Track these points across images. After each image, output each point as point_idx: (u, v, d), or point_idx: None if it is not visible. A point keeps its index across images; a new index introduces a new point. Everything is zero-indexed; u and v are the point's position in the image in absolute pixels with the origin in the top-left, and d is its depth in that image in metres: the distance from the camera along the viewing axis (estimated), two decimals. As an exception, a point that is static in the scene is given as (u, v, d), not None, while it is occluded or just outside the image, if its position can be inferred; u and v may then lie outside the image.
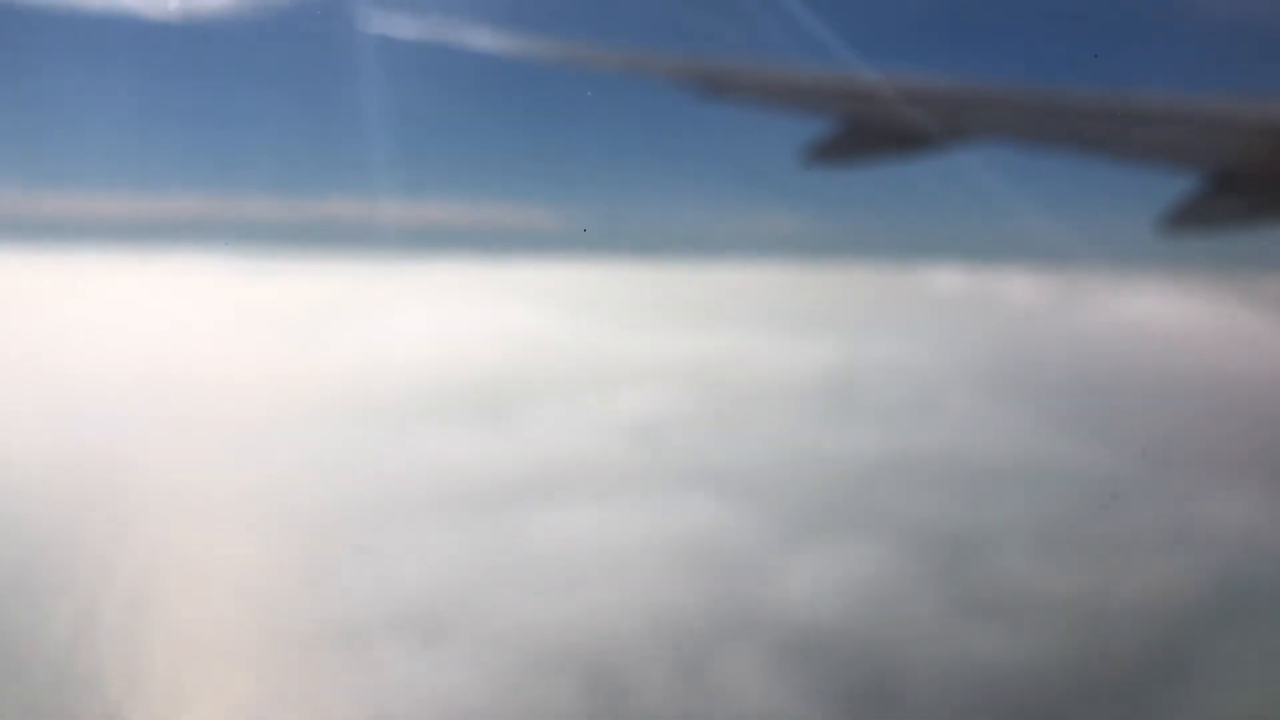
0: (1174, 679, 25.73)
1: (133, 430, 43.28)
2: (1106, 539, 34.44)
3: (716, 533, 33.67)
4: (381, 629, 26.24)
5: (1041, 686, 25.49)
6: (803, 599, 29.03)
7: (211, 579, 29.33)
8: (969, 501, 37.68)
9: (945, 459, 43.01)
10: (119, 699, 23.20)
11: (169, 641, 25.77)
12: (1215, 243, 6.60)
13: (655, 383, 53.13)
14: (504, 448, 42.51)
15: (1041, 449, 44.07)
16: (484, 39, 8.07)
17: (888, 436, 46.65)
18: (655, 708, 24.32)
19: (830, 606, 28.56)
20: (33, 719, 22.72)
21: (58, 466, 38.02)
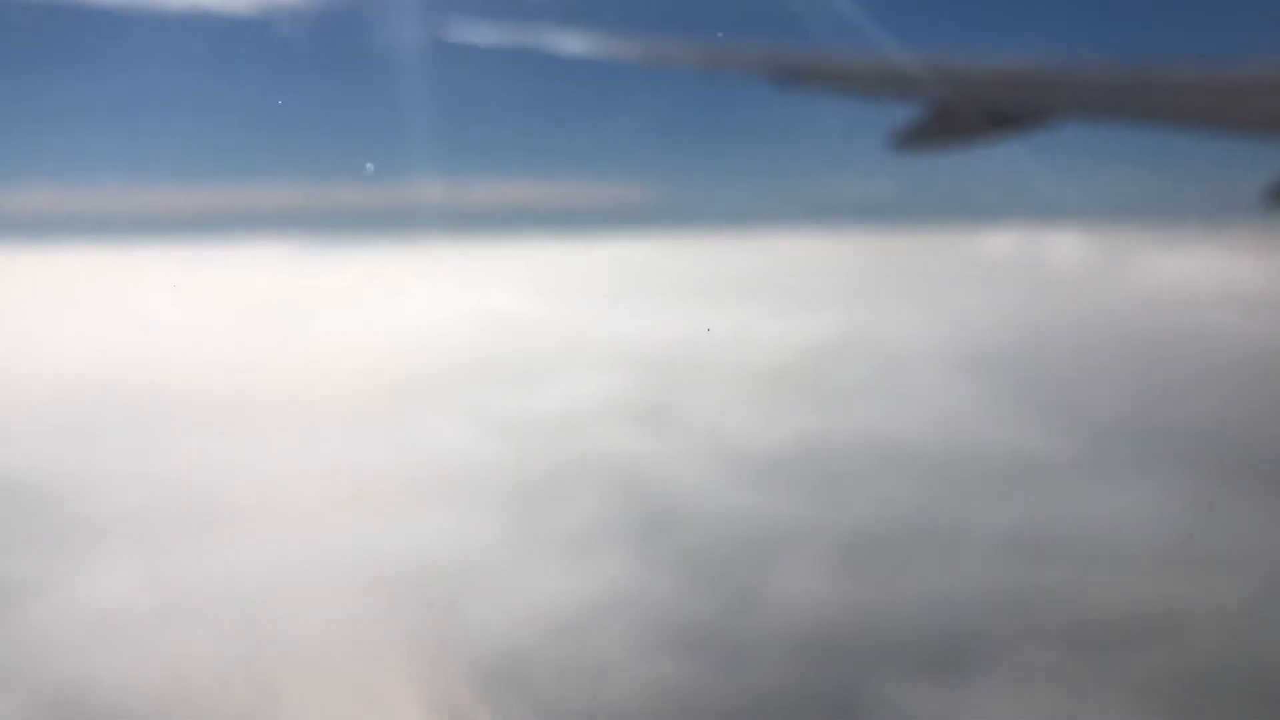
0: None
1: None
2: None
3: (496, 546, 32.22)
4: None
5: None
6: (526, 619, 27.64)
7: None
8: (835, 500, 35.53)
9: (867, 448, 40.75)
10: None
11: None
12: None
13: (637, 365, 51.93)
14: (374, 453, 41.35)
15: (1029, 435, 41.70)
16: (563, 40, 8.10)
17: (830, 424, 44.18)
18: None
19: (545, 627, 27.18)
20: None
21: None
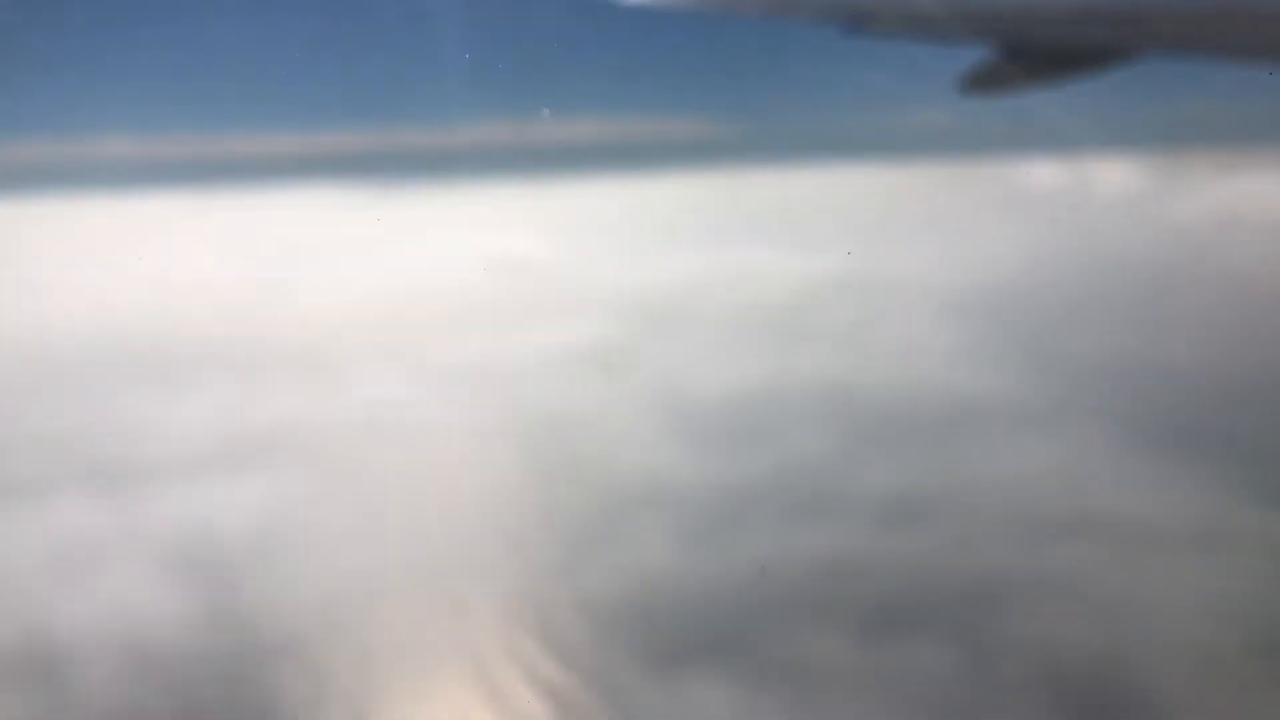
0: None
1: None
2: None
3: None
4: None
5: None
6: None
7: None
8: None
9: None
10: None
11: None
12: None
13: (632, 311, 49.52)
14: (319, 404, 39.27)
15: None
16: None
17: (820, 371, 40.54)
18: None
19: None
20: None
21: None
